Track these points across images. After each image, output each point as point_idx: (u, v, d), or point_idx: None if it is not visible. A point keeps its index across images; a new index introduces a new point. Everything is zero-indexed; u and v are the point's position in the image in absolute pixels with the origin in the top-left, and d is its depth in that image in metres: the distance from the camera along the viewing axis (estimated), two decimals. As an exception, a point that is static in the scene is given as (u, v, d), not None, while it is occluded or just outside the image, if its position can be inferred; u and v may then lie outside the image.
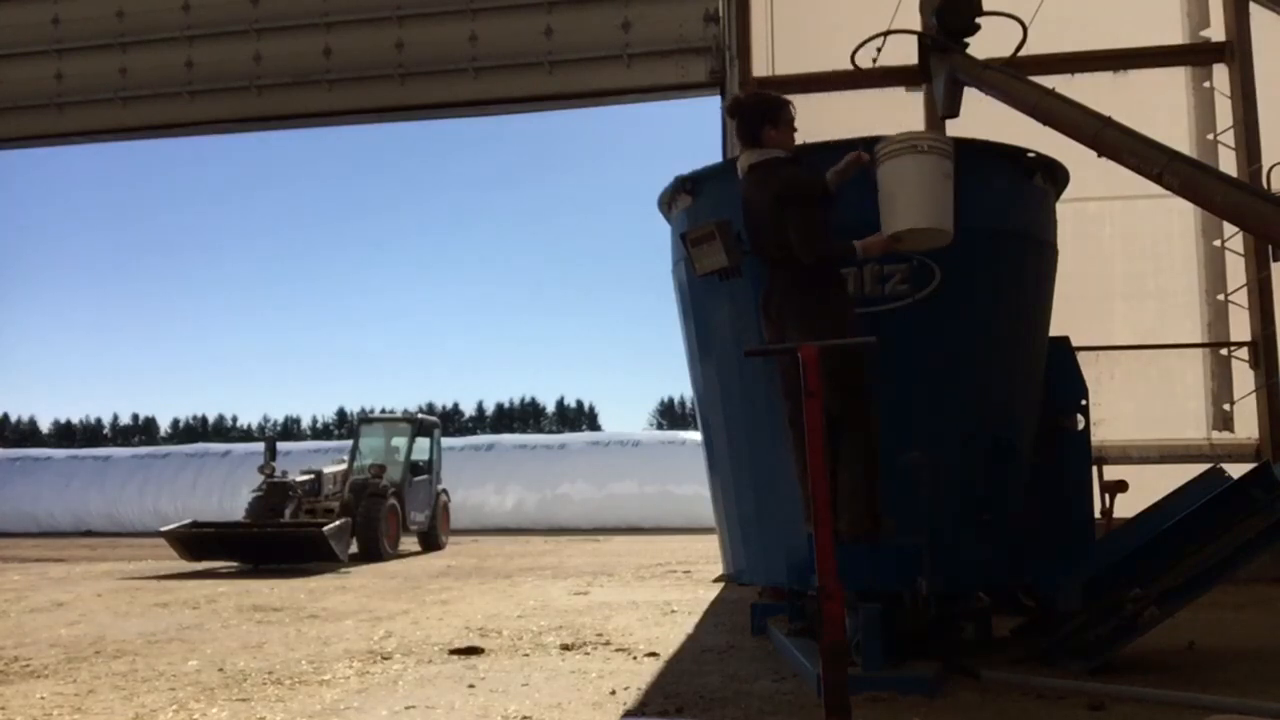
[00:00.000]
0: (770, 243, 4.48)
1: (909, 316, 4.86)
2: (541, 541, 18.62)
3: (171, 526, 12.87)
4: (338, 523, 12.57)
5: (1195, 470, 5.86)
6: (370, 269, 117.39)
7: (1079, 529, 5.28)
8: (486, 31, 11.79)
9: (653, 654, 5.41)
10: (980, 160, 5.29)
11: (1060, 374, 5.46)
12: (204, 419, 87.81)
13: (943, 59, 5.83)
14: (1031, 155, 5.29)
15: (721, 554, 6.19)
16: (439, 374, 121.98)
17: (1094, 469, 5.81)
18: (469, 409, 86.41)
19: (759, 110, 4.55)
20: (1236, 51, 9.59)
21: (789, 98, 4.64)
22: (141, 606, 8.12)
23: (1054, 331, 5.66)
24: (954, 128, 6.48)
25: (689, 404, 41.49)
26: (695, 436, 15.89)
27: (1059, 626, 5.07)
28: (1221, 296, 9.60)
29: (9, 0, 13.26)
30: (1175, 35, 9.91)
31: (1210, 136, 9.66)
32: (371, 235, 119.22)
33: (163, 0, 12.72)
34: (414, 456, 15.72)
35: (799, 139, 4.89)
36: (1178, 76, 9.88)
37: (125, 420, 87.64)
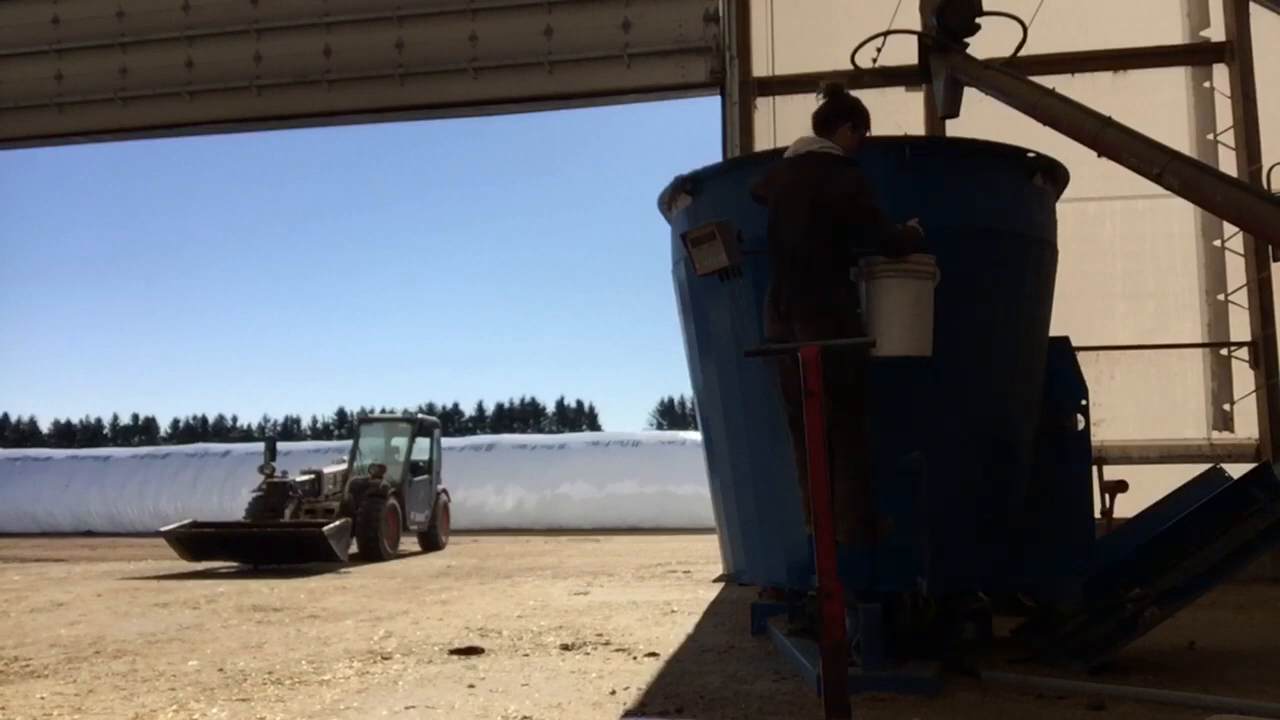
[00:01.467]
0: (797, 231, 4.39)
1: (909, 316, 4.85)
2: (541, 541, 18.63)
3: (171, 526, 12.86)
4: (338, 523, 12.56)
5: (1195, 470, 5.87)
6: (370, 269, 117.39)
7: (1079, 529, 5.28)
8: (486, 31, 11.79)
9: (653, 654, 5.41)
10: (980, 160, 5.30)
11: (1060, 374, 5.45)
12: (204, 419, 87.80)
13: (943, 59, 5.82)
14: (1031, 155, 5.28)
15: (721, 554, 6.19)
16: (439, 374, 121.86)
17: (1094, 469, 5.81)
18: (469, 409, 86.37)
19: (851, 108, 4.57)
20: (1236, 51, 9.60)
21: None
22: (141, 606, 8.12)
23: (1054, 331, 5.66)
24: (954, 128, 6.50)
25: (689, 404, 41.46)
26: (695, 436, 15.89)
27: (1059, 626, 5.07)
28: (1221, 296, 9.61)
29: (9, 0, 13.26)
30: (1175, 35, 9.92)
31: (1210, 136, 9.67)
32: (371, 234, 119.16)
33: (163, 0, 12.72)
34: (414, 456, 15.72)
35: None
36: (1178, 76, 9.89)
37: (125, 420, 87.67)
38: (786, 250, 4.44)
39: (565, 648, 5.66)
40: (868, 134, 4.63)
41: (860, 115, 4.54)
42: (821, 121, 4.58)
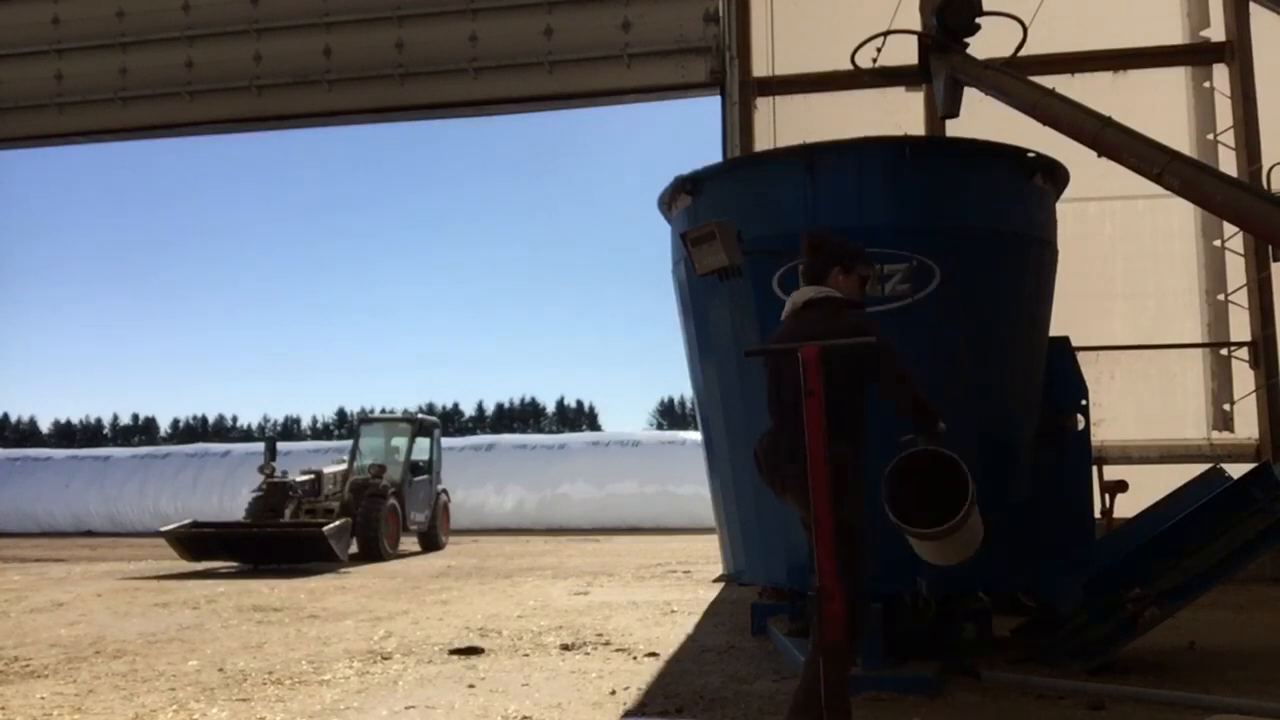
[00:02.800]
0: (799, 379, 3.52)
1: (909, 316, 4.85)
2: (541, 541, 18.62)
3: (171, 526, 12.86)
4: (338, 523, 12.56)
5: (1195, 470, 5.87)
6: (370, 268, 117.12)
7: (1079, 529, 5.28)
8: (486, 31, 11.79)
9: (653, 654, 5.41)
10: (980, 160, 5.30)
11: (1060, 374, 5.46)
12: (204, 419, 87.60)
13: (943, 59, 5.83)
14: (1031, 155, 5.29)
15: (721, 554, 6.19)
16: (439, 374, 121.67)
17: (1094, 469, 5.81)
18: (469, 409, 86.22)
19: (836, 252, 3.95)
20: (1236, 51, 9.60)
21: (864, 254, 3.99)
22: (141, 606, 8.12)
23: (1054, 331, 5.66)
24: (954, 127, 6.50)
25: (689, 404, 41.42)
26: (695, 436, 15.88)
27: (1059, 626, 5.07)
28: (1221, 296, 9.61)
29: (9, 0, 13.27)
30: (1175, 35, 9.92)
31: (1210, 136, 9.67)
32: (371, 234, 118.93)
33: (163, 0, 12.73)
34: (414, 456, 15.71)
35: (800, 139, 4.87)
36: (1178, 76, 9.90)
37: (125, 420, 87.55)
38: (787, 404, 3.68)
39: (565, 648, 5.66)
40: (867, 273, 3.98)
41: (845, 255, 3.93)
42: (812, 276, 3.98)
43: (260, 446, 17.91)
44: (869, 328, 3.67)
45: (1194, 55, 9.84)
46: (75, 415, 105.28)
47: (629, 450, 24.48)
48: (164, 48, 12.73)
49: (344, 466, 14.90)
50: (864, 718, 3.73)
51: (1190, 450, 9.40)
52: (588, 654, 5.47)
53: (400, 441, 15.76)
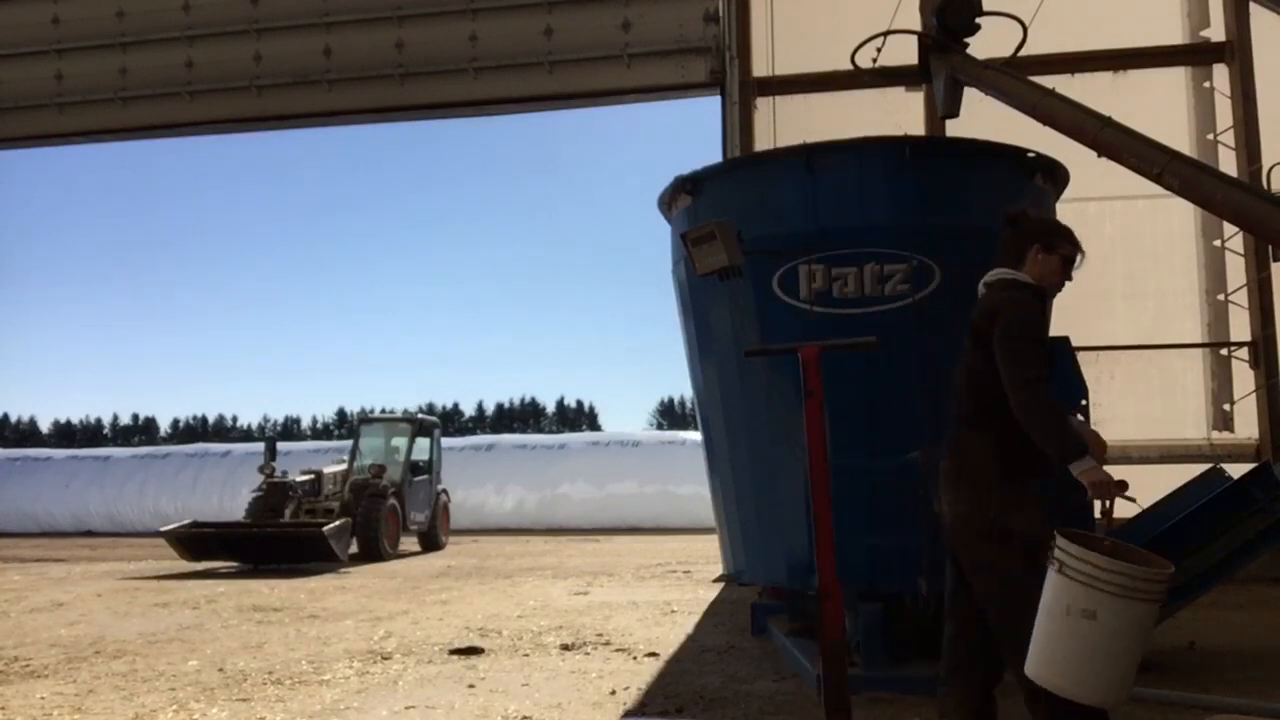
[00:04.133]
0: (962, 366, 3.46)
1: (909, 316, 4.86)
2: (541, 541, 18.62)
3: (171, 526, 12.86)
4: (338, 523, 12.56)
5: (1195, 470, 5.87)
6: (370, 268, 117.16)
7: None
8: (486, 31, 11.80)
9: (653, 654, 5.41)
10: (980, 160, 5.30)
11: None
12: (204, 419, 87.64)
13: (943, 59, 5.83)
14: (1032, 155, 5.29)
15: (721, 554, 6.19)
16: (439, 374, 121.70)
17: (1094, 469, 5.80)
18: (469, 409, 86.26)
19: (1037, 229, 3.60)
20: (1236, 51, 9.60)
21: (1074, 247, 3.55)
22: (141, 606, 8.12)
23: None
24: (954, 127, 6.50)
25: (689, 404, 41.43)
26: (695, 436, 15.88)
27: (1059, 626, 5.06)
28: (1221, 296, 9.61)
29: (9, 0, 13.27)
30: (1175, 35, 9.93)
31: (1210, 136, 9.68)
32: (371, 234, 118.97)
33: (163, 0, 12.74)
34: (414, 456, 15.72)
35: (800, 139, 4.88)
36: (1178, 76, 9.90)
37: (125, 420, 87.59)
38: (956, 385, 3.48)
39: (565, 648, 5.66)
40: (1070, 253, 3.52)
41: (1051, 233, 3.53)
42: (1010, 256, 3.64)
43: (260, 446, 17.92)
44: (1010, 307, 3.35)
45: (1194, 55, 9.85)
46: (75, 415, 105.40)
47: (629, 450, 24.49)
48: (164, 48, 12.74)
49: (344, 466, 14.91)
50: (864, 718, 3.73)
51: (1190, 450, 9.40)
52: (588, 654, 5.47)
53: (400, 441, 15.77)
